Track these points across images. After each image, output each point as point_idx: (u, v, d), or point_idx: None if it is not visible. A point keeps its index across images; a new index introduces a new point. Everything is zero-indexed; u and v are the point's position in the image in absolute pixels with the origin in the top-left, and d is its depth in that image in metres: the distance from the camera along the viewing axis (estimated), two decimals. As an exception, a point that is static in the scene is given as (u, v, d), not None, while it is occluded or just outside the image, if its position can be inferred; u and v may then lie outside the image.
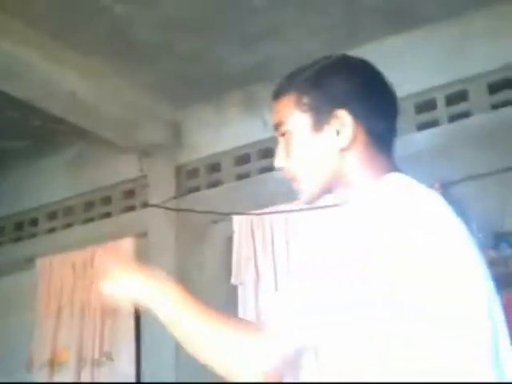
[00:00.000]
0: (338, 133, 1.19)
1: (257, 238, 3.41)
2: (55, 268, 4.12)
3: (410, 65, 3.32)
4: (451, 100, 3.32)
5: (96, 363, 3.84)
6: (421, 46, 3.32)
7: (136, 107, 3.72)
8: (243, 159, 3.75)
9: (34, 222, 4.51)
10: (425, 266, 0.99)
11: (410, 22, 3.29)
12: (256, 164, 3.69)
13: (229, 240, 3.54)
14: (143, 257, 3.82)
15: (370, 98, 1.22)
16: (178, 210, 3.75)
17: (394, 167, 1.20)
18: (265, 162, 3.63)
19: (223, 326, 1.15)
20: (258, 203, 3.47)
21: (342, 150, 1.19)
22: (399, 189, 1.11)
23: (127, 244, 3.88)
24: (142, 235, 3.86)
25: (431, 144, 3.25)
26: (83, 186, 4.25)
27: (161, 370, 3.61)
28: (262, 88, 3.69)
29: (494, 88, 3.25)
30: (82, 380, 3.85)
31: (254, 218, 3.44)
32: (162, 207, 3.76)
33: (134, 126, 3.76)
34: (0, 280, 4.47)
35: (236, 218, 3.50)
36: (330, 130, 1.20)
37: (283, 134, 1.25)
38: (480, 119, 3.21)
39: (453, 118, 3.31)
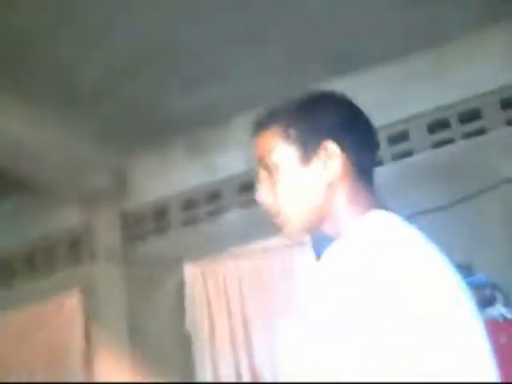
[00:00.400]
0: (325, 165, 1.18)
1: (209, 285, 3.37)
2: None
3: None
4: (393, 140, 3.42)
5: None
6: (363, 87, 3.41)
7: (79, 154, 3.65)
8: (190, 204, 3.72)
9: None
10: (411, 304, 0.97)
11: (352, 65, 3.37)
12: (203, 208, 3.67)
13: (181, 287, 3.48)
14: (91, 309, 3.72)
15: (355, 131, 1.22)
16: (126, 259, 3.67)
17: (378, 202, 1.19)
18: (212, 207, 3.61)
19: None
20: (209, 248, 3.44)
21: (329, 183, 1.18)
22: (383, 229, 1.10)
23: (74, 298, 3.74)
24: (89, 288, 3.74)
25: (376, 183, 3.32)
26: (23, 238, 4.09)
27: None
28: (205, 131, 3.70)
29: (433, 127, 3.37)
30: None
31: (206, 264, 3.40)
32: (109, 257, 3.66)
33: (76, 172, 3.67)
34: None
35: (187, 265, 3.45)
36: (317, 161, 1.18)
37: (267, 167, 1.22)
38: (421, 157, 3.32)
39: (395, 157, 3.40)
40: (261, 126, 1.24)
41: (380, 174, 3.42)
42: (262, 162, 1.23)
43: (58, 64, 3.04)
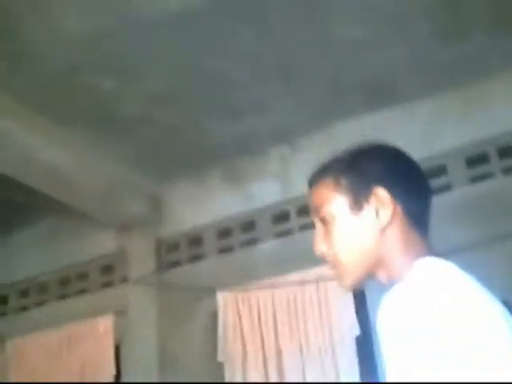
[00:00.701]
0: (377, 212, 1.20)
1: (243, 314, 3.36)
2: (28, 349, 3.95)
3: (390, 140, 3.39)
4: (433, 173, 3.40)
5: None
6: (400, 122, 3.41)
7: (115, 180, 3.69)
8: (225, 233, 3.73)
9: (4, 301, 4.35)
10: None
11: (389, 99, 3.38)
12: (238, 237, 3.67)
13: (213, 316, 3.47)
14: (124, 334, 3.72)
15: (405, 179, 1.24)
16: (159, 286, 3.68)
17: (429, 249, 1.20)
18: (247, 236, 3.61)
19: None
20: (242, 277, 3.44)
21: (382, 229, 1.19)
22: (436, 274, 1.11)
23: (106, 322, 3.76)
24: (121, 312, 3.75)
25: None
26: (59, 261, 4.14)
27: None
28: (243, 161, 3.72)
29: (471, 162, 3.35)
30: None
31: (239, 293, 3.39)
32: (143, 283, 3.68)
33: (112, 199, 3.71)
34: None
35: (220, 294, 3.45)
36: (369, 208, 1.20)
37: (323, 218, 1.25)
38: (459, 192, 3.29)
39: (434, 191, 3.37)
40: (315, 178, 1.28)
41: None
42: (317, 214, 1.26)
43: (98, 90, 3.10)
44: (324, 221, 1.24)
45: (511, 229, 3.08)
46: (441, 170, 3.39)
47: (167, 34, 2.84)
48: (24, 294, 4.28)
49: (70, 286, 4.12)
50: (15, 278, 4.31)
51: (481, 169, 3.33)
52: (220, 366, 3.34)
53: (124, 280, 3.84)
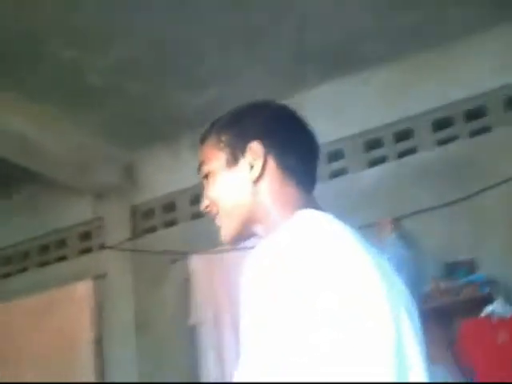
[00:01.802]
0: (251, 166, 1.22)
1: (214, 278, 3.44)
2: (10, 315, 4.04)
3: (359, 105, 3.44)
4: (398, 137, 3.45)
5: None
6: (367, 86, 3.44)
7: (89, 149, 3.74)
8: (198, 199, 3.78)
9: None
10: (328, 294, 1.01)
11: (354, 65, 3.39)
12: (211, 203, 3.73)
13: (187, 280, 3.56)
14: (102, 299, 3.82)
15: (284, 134, 1.26)
16: (136, 252, 3.76)
17: (310, 203, 1.22)
18: (220, 201, 3.67)
19: None
20: (215, 242, 3.49)
21: (254, 181, 1.22)
22: (306, 225, 1.12)
23: (85, 287, 3.86)
24: (99, 277, 3.85)
25: (382, 180, 3.36)
26: (38, 229, 4.21)
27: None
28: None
29: (437, 125, 3.39)
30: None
31: (212, 257, 3.47)
32: (119, 248, 3.76)
33: (87, 168, 3.76)
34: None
35: (193, 258, 3.53)
36: (244, 163, 1.23)
37: (205, 175, 1.27)
38: (426, 155, 3.35)
39: (400, 155, 3.43)
40: (201, 137, 1.30)
41: (386, 172, 3.47)
42: (200, 172, 1.28)
43: (67, 60, 3.12)
44: (206, 177, 1.27)
45: (474, 190, 3.14)
46: (407, 134, 3.44)
47: (131, 4, 2.86)
48: (6, 261, 4.36)
49: (50, 253, 4.20)
50: (-1, 245, 4.38)
51: (446, 132, 3.37)
52: (193, 330, 3.44)
53: (101, 246, 3.93)
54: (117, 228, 3.87)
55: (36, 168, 3.65)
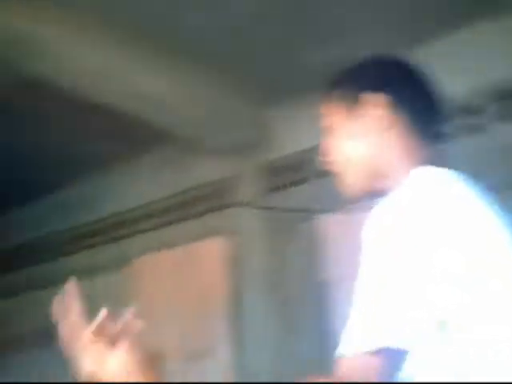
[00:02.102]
0: (375, 119, 1.21)
1: (344, 236, 3.39)
2: (151, 267, 4.26)
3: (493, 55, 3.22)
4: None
5: (195, 358, 3.94)
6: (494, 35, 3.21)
7: (220, 108, 3.78)
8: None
9: (133, 222, 4.67)
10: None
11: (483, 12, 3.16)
12: (342, 161, 3.67)
13: (317, 237, 3.54)
14: (235, 255, 3.91)
15: (407, 86, 1.24)
16: (267, 209, 3.79)
17: (432, 159, 1.18)
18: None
19: None
20: (345, 200, 3.45)
21: (379, 134, 1.20)
22: (429, 183, 1.10)
23: (220, 243, 3.96)
24: (232, 234, 3.93)
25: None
26: (175, 186, 4.37)
27: (258, 362, 3.68)
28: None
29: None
30: (184, 374, 3.95)
31: (342, 215, 3.42)
32: (251, 206, 3.81)
33: (219, 126, 3.82)
34: (98, 279, 4.67)
35: (324, 216, 3.50)
36: (368, 116, 1.22)
37: (329, 133, 1.28)
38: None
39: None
40: (325, 96, 1.33)
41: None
42: (324, 129, 1.31)
43: (193, 19, 3.15)
44: (330, 134, 1.28)
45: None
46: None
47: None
48: (147, 216, 4.57)
49: (185, 210, 4.34)
50: (139, 203, 4.60)
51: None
52: (323, 286, 3.43)
53: (234, 204, 3.99)
54: (248, 186, 3.92)
55: (168, 127, 3.76)
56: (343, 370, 0.98)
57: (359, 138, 1.23)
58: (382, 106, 1.21)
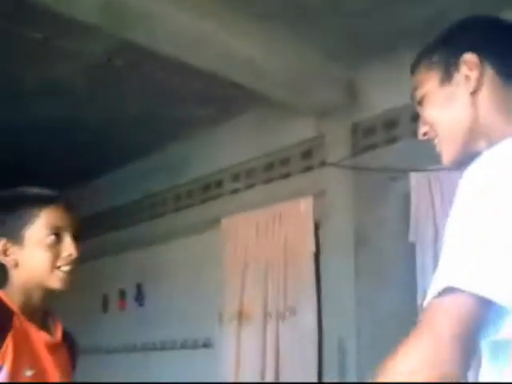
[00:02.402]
0: (467, 78, 1.17)
1: (435, 196, 3.36)
2: (239, 227, 4.36)
3: None
4: None
5: (280, 317, 4.03)
6: None
7: (310, 69, 3.78)
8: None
9: (219, 184, 4.78)
10: None
11: None
12: (433, 119, 3.60)
13: (407, 197, 3.51)
14: (322, 215, 3.94)
15: (500, 42, 1.19)
16: (356, 169, 3.79)
17: None
18: (443, 117, 3.53)
19: None
20: (436, 159, 3.40)
21: (472, 93, 1.16)
22: None
23: (306, 203, 4.00)
24: (320, 194, 3.95)
25: None
26: (263, 148, 4.42)
27: (342, 323, 3.72)
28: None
29: None
30: (267, 333, 4.06)
31: (432, 174, 3.38)
32: (340, 166, 3.81)
33: (308, 87, 3.82)
34: (190, 239, 4.82)
35: (413, 175, 3.47)
36: (459, 77, 1.18)
37: (420, 102, 1.24)
38: None
39: None
40: (413, 66, 1.29)
41: None
42: (415, 99, 1.26)
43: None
44: (421, 103, 1.24)
45: None
46: None
47: None
48: (235, 178, 4.66)
49: (274, 170, 4.39)
50: (227, 164, 4.69)
51: None
52: (412, 247, 3.42)
53: (322, 164, 4.01)
54: (337, 146, 3.92)
55: (261, 89, 3.79)
56: (428, 312, 0.97)
57: (452, 102, 1.19)
58: (472, 64, 1.17)
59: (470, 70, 1.17)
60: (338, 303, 3.76)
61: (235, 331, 4.20)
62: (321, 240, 3.94)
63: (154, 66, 3.63)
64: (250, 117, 4.52)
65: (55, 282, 1.67)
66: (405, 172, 3.53)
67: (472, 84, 1.17)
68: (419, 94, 1.25)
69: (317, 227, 3.97)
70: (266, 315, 4.09)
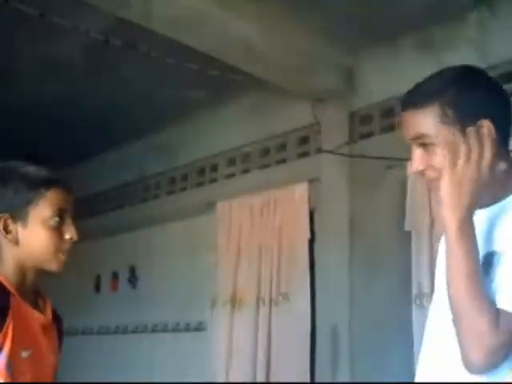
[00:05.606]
0: (483, 141, 1.24)
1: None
2: (234, 211, 4.35)
3: None
4: None
5: (273, 302, 4.03)
6: None
7: (309, 54, 3.76)
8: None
9: (215, 168, 4.76)
10: None
11: None
12: (431, 107, 3.59)
13: (403, 185, 3.50)
14: (317, 202, 3.93)
15: (501, 106, 1.30)
16: (352, 157, 3.78)
17: None
18: (440, 106, 3.52)
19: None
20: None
21: (489, 156, 1.26)
22: None
23: (302, 189, 3.99)
24: (315, 181, 3.95)
25: None
26: (259, 133, 4.41)
27: (335, 310, 3.73)
28: (436, 28, 3.56)
29: None
30: (260, 318, 4.06)
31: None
32: (337, 153, 3.80)
33: (307, 72, 3.80)
34: (183, 222, 4.81)
35: (409, 163, 3.45)
36: (477, 139, 1.25)
37: (425, 143, 1.29)
38: None
39: None
40: (414, 104, 1.32)
41: None
42: (418, 139, 1.31)
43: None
44: (425, 146, 1.30)
45: None
46: None
47: None
48: (231, 162, 4.65)
49: (270, 156, 4.38)
50: (223, 149, 4.67)
51: None
52: (407, 235, 3.41)
53: (318, 151, 4.00)
54: (334, 132, 3.90)
55: (258, 73, 3.76)
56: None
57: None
58: (488, 132, 1.24)
59: (487, 136, 1.25)
60: (331, 290, 3.76)
61: (228, 315, 4.21)
62: (316, 226, 3.94)
63: (150, 46, 3.59)
64: (247, 101, 4.50)
65: (55, 264, 1.64)
66: (401, 160, 3.51)
67: (489, 147, 1.27)
68: (427, 139, 1.29)
69: (312, 213, 3.97)
70: (258, 300, 4.10)
